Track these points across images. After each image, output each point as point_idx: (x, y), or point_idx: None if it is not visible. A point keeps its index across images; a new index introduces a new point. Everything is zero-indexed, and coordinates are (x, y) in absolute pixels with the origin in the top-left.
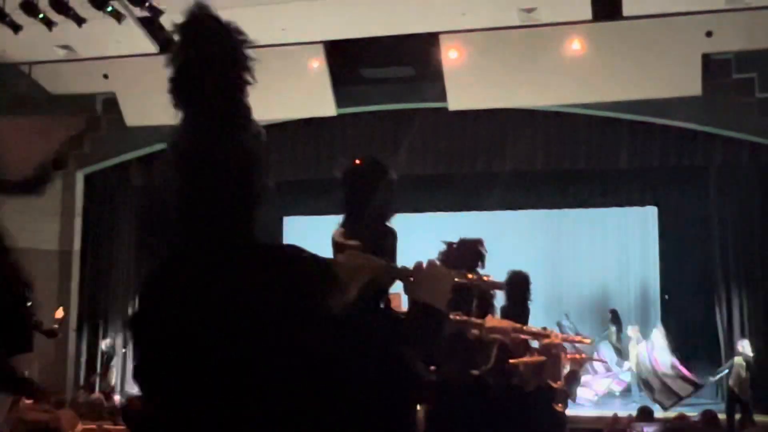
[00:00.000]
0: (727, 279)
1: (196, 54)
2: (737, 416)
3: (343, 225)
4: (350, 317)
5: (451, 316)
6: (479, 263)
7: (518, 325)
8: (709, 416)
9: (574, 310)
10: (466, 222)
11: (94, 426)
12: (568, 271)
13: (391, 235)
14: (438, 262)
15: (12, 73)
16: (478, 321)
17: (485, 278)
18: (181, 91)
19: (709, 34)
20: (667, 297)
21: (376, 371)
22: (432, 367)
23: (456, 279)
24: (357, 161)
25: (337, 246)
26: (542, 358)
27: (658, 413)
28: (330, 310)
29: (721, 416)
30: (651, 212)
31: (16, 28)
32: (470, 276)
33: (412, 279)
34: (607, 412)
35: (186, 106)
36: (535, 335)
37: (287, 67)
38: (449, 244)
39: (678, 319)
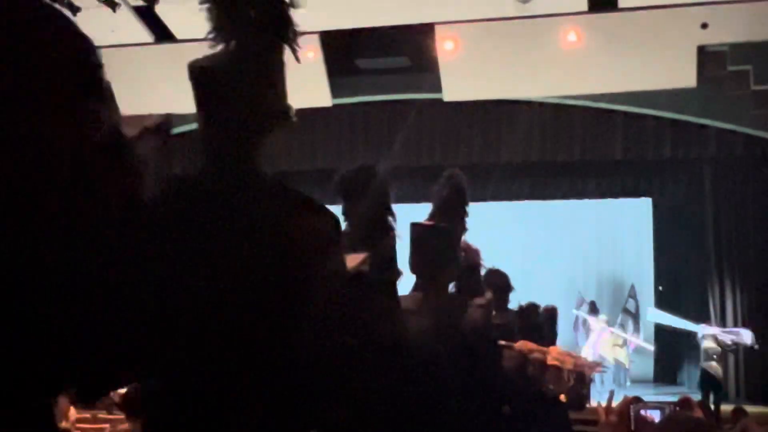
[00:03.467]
0: (720, 270)
1: None
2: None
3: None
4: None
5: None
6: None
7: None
8: (702, 407)
9: (569, 301)
10: None
11: (88, 414)
12: (562, 263)
13: (390, 235)
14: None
15: None
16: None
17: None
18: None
19: (704, 25)
20: (661, 288)
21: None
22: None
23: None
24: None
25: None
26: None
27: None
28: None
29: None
30: (645, 203)
31: None
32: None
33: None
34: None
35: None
36: (578, 363)
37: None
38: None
39: (671, 310)
